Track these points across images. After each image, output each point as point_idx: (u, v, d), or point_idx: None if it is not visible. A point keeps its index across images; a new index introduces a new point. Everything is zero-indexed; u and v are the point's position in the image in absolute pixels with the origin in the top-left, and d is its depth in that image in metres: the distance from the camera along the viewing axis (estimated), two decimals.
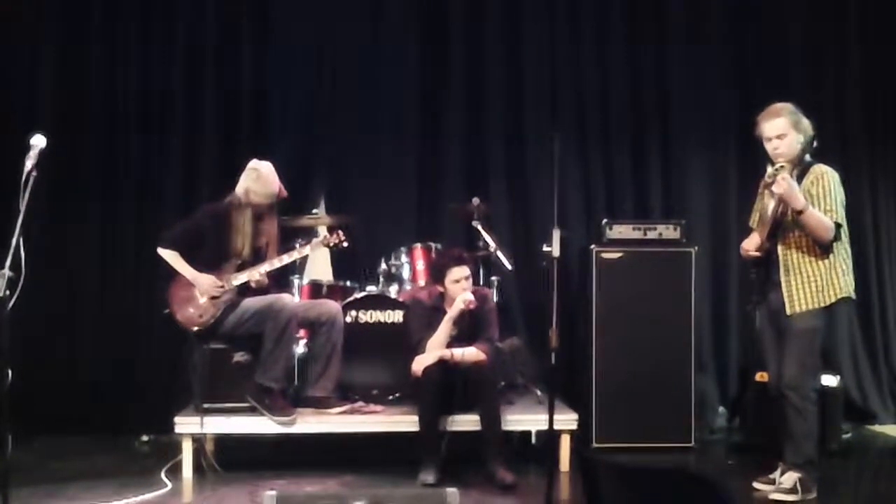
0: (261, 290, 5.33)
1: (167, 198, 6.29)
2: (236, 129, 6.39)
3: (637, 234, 5.86)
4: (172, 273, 5.27)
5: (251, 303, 5.25)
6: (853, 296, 4.80)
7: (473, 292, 5.23)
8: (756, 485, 4.87)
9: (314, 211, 6.13)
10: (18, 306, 3.91)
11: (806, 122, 4.75)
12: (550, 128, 6.22)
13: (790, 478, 4.71)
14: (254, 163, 5.38)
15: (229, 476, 5.10)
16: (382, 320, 5.63)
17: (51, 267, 5.99)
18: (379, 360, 5.58)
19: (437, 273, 5.38)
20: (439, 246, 5.92)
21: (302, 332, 5.53)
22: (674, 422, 5.70)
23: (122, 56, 6.35)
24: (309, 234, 5.85)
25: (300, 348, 5.59)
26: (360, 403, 5.39)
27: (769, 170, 4.70)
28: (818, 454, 4.81)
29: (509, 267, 5.78)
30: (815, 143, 4.75)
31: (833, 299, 4.68)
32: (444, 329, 5.21)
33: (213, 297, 5.21)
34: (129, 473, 5.15)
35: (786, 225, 4.70)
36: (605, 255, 5.77)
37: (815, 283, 4.67)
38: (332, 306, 5.40)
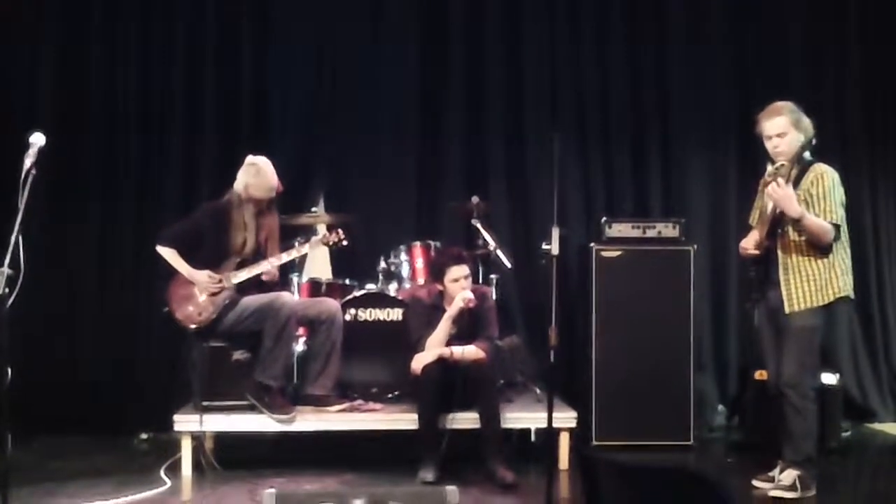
0: (269, 286, 5.32)
1: (167, 198, 6.30)
2: (236, 129, 6.40)
3: (636, 233, 5.86)
4: (171, 271, 5.28)
5: (250, 301, 5.25)
6: (852, 295, 4.80)
7: (473, 291, 5.23)
8: (755, 483, 4.87)
9: (313, 209, 6.13)
10: (18, 305, 3.91)
11: (806, 121, 4.75)
12: (550, 128, 6.22)
13: (789, 475, 4.72)
14: (251, 158, 5.38)
15: (229, 474, 5.10)
16: (382, 318, 5.64)
17: (50, 266, 6.00)
18: (378, 358, 5.58)
19: (436, 271, 5.38)
20: (439, 244, 5.92)
21: (301, 331, 5.54)
22: (673, 420, 5.70)
23: (122, 56, 6.36)
24: (308, 232, 5.86)
25: (299, 346, 5.59)
26: (360, 402, 5.40)
27: (769, 168, 4.71)
28: (817, 452, 4.81)
29: (509, 265, 5.78)
30: (814, 142, 4.75)
31: (831, 298, 4.68)
32: (444, 327, 5.21)
33: (212, 295, 5.21)
34: (129, 472, 5.15)
35: (785, 223, 4.71)
36: (604, 254, 5.77)
37: (813, 282, 4.67)
38: (332, 304, 5.40)
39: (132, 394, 6.11)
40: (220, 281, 5.23)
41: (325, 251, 5.97)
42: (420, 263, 5.91)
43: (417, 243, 5.95)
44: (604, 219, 5.92)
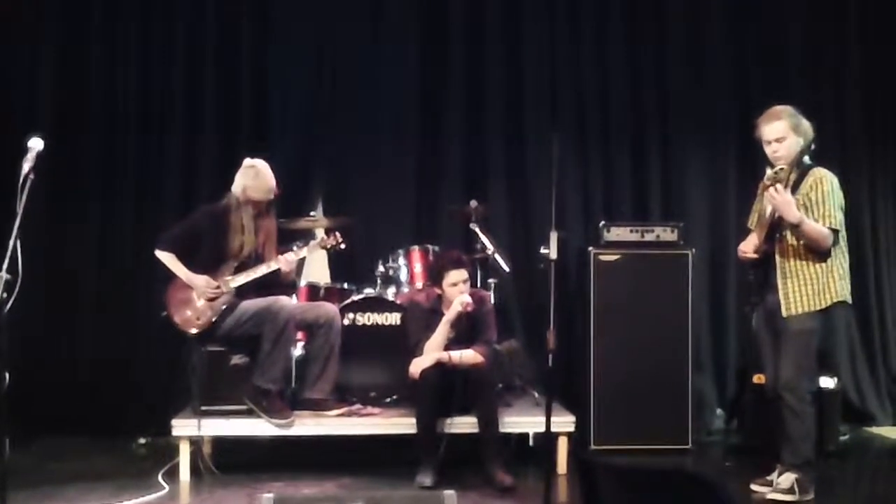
0: (271, 287, 5.32)
1: (166, 198, 6.29)
2: (236, 129, 6.39)
3: (635, 237, 5.86)
4: (170, 275, 5.28)
5: (249, 305, 5.25)
6: (849, 300, 4.80)
7: (471, 295, 5.23)
8: (753, 486, 4.89)
9: (311, 213, 6.13)
10: (17, 307, 3.90)
11: (806, 125, 4.74)
12: (550, 128, 6.21)
13: (787, 479, 4.72)
14: (249, 160, 5.38)
15: (227, 478, 5.10)
16: (380, 322, 5.63)
17: (50, 267, 6.01)
18: (377, 362, 5.58)
19: (434, 275, 5.38)
20: (437, 248, 5.91)
21: (300, 335, 5.53)
22: (671, 423, 5.70)
23: (122, 56, 6.34)
24: (306, 236, 5.84)
25: (298, 350, 5.59)
26: (358, 406, 5.39)
27: (769, 172, 4.70)
28: (816, 455, 4.82)
29: (507, 269, 5.78)
30: (813, 146, 4.74)
31: (829, 302, 4.69)
32: (442, 331, 5.21)
33: (211, 300, 5.21)
34: (127, 476, 5.14)
35: (783, 228, 4.70)
36: (602, 258, 5.76)
37: (811, 286, 4.67)
38: (330, 308, 5.40)
39: (131, 395, 6.10)
40: (219, 287, 5.22)
41: (323, 255, 5.97)
42: (418, 267, 5.90)
43: (416, 247, 5.94)
44: (602, 223, 5.91)
